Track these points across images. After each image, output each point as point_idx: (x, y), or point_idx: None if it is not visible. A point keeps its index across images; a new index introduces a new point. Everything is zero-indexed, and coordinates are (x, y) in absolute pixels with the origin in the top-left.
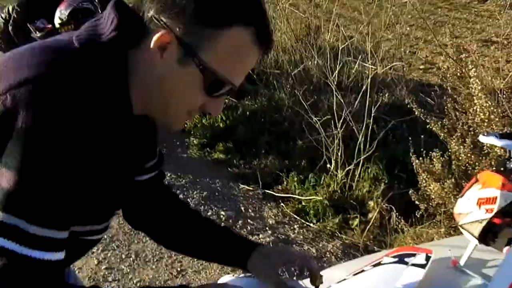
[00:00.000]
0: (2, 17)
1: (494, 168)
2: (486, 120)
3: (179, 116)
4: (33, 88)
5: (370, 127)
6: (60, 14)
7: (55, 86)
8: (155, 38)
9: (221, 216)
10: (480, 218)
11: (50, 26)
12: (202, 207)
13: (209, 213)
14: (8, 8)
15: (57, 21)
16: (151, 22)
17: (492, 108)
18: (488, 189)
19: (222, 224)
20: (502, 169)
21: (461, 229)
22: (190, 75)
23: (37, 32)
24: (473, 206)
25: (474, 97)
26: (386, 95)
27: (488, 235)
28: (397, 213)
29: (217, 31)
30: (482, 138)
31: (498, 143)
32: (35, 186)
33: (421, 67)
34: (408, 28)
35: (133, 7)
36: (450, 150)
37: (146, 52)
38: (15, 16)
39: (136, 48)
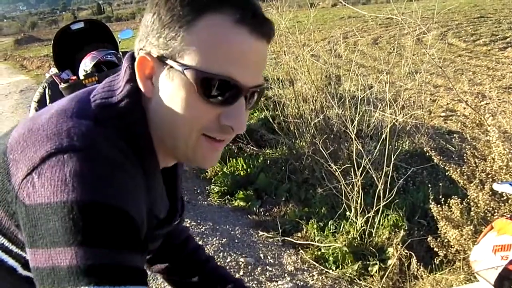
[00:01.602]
0: (35, 101)
1: (509, 216)
2: (505, 167)
3: (197, 142)
4: (58, 162)
5: (390, 174)
6: (85, 66)
7: (79, 155)
8: (136, 67)
9: (240, 262)
10: (496, 265)
11: (74, 77)
12: (221, 253)
13: (228, 260)
14: (39, 91)
15: (81, 73)
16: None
17: (510, 155)
18: (503, 236)
19: (241, 270)
20: None
21: (477, 276)
22: (183, 86)
23: (62, 83)
24: (488, 253)
25: (492, 145)
26: (407, 142)
27: (504, 282)
28: (416, 260)
29: (186, 30)
30: (496, 186)
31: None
32: (106, 251)
33: (442, 114)
34: (428, 77)
35: None
36: (469, 197)
37: (142, 89)
38: (50, 94)
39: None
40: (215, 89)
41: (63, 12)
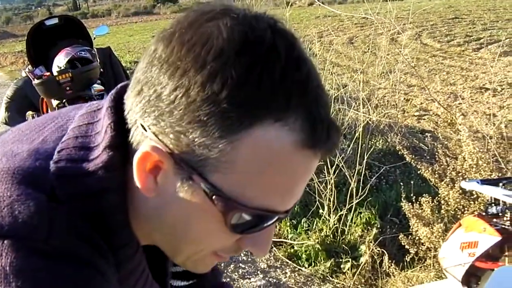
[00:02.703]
0: (8, 96)
1: (477, 213)
2: (475, 166)
3: (203, 258)
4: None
5: (363, 172)
6: (59, 62)
7: (24, 244)
8: (135, 159)
9: None
10: (463, 261)
11: (48, 73)
12: None
13: None
14: (13, 87)
15: (55, 69)
16: (136, 130)
17: (480, 154)
18: (470, 233)
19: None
20: (484, 213)
21: (445, 273)
22: (205, 210)
23: (35, 79)
24: (456, 250)
25: (463, 144)
26: (380, 141)
27: (471, 278)
28: (389, 257)
29: (229, 142)
30: (463, 184)
31: (479, 189)
32: None
33: (416, 113)
34: (403, 76)
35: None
36: (440, 195)
37: (139, 186)
38: (30, 91)
39: (130, 167)
40: (246, 221)
41: (39, 8)
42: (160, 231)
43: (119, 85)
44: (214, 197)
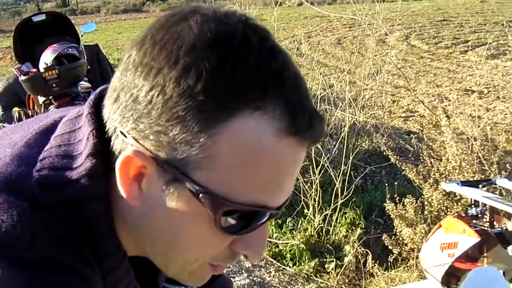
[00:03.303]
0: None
1: (457, 214)
2: (458, 168)
3: (197, 269)
4: None
5: (348, 173)
6: (45, 58)
7: (7, 253)
8: (118, 164)
9: None
10: (443, 262)
11: (34, 70)
12: None
13: None
14: (5, 82)
15: (42, 66)
16: (116, 138)
17: (463, 155)
18: (450, 234)
19: None
20: (464, 215)
21: (425, 274)
22: (192, 212)
23: (22, 76)
24: (436, 251)
25: (446, 145)
26: (366, 142)
27: (450, 279)
28: (373, 258)
29: (210, 135)
30: (444, 186)
31: (459, 190)
32: None
33: (403, 115)
34: (390, 77)
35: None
36: (423, 196)
37: (124, 195)
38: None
39: (113, 175)
40: (237, 219)
41: (27, 3)
42: (148, 241)
43: (97, 90)
44: (200, 195)
